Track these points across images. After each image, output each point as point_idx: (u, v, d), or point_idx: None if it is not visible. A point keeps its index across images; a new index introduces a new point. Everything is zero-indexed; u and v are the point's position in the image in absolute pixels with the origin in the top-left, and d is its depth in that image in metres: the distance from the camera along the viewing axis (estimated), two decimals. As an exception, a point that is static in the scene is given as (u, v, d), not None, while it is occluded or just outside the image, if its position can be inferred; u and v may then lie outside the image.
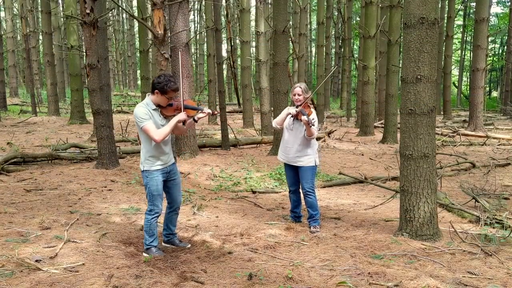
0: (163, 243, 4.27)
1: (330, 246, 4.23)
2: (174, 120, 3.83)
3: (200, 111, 4.00)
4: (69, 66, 15.78)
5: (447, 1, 22.32)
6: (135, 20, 23.48)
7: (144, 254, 3.96)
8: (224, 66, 32.59)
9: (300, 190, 4.98)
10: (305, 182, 4.80)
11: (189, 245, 4.22)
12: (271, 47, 17.31)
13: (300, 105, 4.75)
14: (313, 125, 4.51)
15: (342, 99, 28.54)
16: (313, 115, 4.70)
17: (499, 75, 37.85)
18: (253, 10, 22.97)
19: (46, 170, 7.64)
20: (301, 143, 4.76)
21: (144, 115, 3.74)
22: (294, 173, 4.93)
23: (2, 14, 30.83)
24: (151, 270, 3.57)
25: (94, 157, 8.39)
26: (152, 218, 3.95)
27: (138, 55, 20.02)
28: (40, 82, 28.90)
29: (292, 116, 4.77)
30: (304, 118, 4.53)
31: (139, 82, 38.03)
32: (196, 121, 4.06)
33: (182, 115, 3.84)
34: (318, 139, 10.94)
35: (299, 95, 4.76)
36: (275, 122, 4.98)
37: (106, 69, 9.53)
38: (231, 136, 11.50)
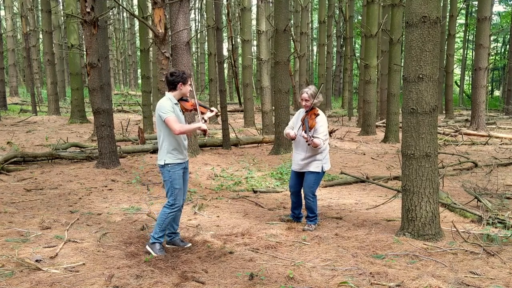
0: (166, 245, 4.24)
1: (331, 246, 4.21)
2: (197, 125, 4.00)
3: (209, 110, 4.24)
4: (70, 65, 15.76)
5: (449, 0, 22.25)
6: (135, 19, 23.46)
7: (147, 247, 3.99)
8: (225, 65, 32.56)
9: (302, 192, 4.94)
10: (306, 186, 4.76)
11: (190, 244, 4.21)
12: (272, 46, 17.28)
13: (308, 111, 4.70)
14: (309, 143, 4.43)
15: (343, 98, 28.49)
16: (320, 125, 4.63)
17: (501, 74, 37.78)
18: (254, 9, 22.95)
19: (46, 170, 7.63)
20: (308, 150, 4.69)
21: (170, 107, 3.93)
22: (298, 177, 4.88)
23: (2, 13, 30.85)
24: (151, 270, 3.56)
25: (95, 156, 8.38)
26: (171, 212, 3.98)
27: (139, 54, 20.01)
28: (40, 81, 28.88)
29: (299, 126, 4.72)
30: (303, 134, 4.50)
31: (139, 81, 38.03)
32: (206, 121, 4.14)
33: (204, 126, 4.00)
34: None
35: (306, 100, 4.69)
36: (285, 133, 4.94)
37: (107, 68, 9.51)
38: (232, 135, 11.48)
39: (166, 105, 3.91)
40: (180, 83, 3.99)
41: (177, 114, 3.97)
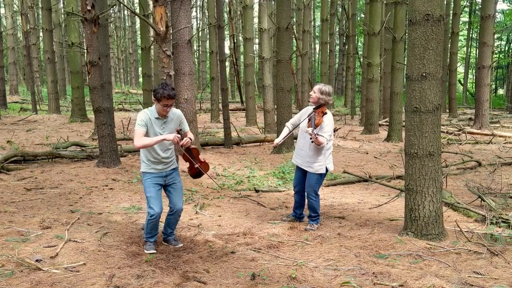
0: (163, 242, 4.25)
1: (334, 245, 4.18)
2: (160, 137, 3.80)
3: (194, 164, 4.17)
4: (70, 63, 15.74)
5: (452, -2, 22.12)
6: (136, 17, 23.46)
7: (145, 250, 4.00)
8: (227, 63, 32.52)
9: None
10: (308, 186, 4.74)
11: (181, 244, 4.18)
12: (274, 44, 17.23)
13: (316, 108, 4.67)
14: (312, 141, 4.39)
15: (346, 96, 28.39)
16: (326, 125, 4.60)
17: (505, 72, 37.58)
18: (256, 7, 22.89)
19: (46, 169, 7.61)
20: (311, 148, 4.66)
21: (140, 121, 3.84)
22: (301, 175, 4.86)
23: (2, 11, 30.85)
24: (152, 270, 3.54)
25: (95, 155, 8.35)
26: (149, 220, 3.96)
27: (140, 52, 19.99)
28: (40, 79, 28.89)
29: (305, 119, 4.71)
30: (308, 130, 4.46)
31: (140, 79, 38.06)
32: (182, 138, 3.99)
33: (170, 136, 3.81)
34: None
35: (314, 92, 4.68)
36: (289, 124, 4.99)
37: (107, 67, 9.49)
38: (233, 134, 11.45)
39: (140, 116, 3.84)
40: (154, 99, 3.83)
41: (153, 129, 3.84)
